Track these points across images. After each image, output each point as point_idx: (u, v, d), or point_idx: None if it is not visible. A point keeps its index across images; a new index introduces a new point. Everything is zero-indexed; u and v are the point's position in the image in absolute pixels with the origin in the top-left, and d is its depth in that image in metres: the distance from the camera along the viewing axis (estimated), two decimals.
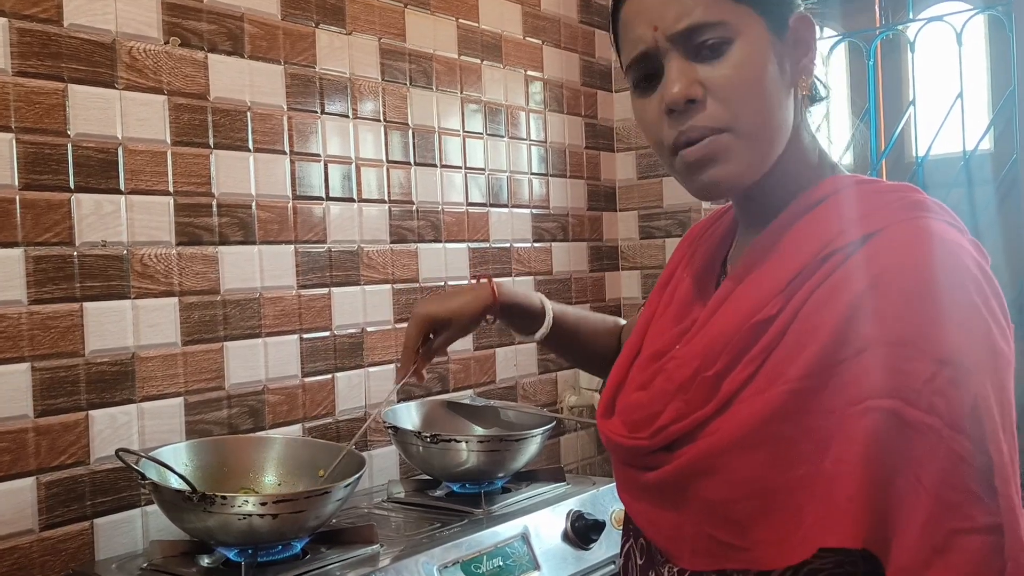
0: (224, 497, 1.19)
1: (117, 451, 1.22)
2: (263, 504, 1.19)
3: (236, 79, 1.58)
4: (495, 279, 1.16)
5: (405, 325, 1.85)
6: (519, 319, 1.17)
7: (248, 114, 1.60)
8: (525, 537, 1.46)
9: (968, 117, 2.13)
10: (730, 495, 0.74)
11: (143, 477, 1.23)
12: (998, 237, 2.10)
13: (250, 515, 1.18)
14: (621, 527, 0.95)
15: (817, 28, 0.81)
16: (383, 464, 1.81)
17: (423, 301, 1.16)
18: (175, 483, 1.26)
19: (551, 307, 1.18)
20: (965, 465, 0.65)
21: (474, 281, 1.16)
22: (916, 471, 0.66)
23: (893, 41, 2.24)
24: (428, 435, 1.52)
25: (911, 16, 2.20)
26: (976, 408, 0.66)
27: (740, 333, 0.76)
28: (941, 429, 0.65)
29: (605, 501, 1.62)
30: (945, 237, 0.73)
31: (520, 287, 2.12)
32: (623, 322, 1.28)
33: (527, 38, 2.21)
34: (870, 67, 2.25)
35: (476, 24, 2.06)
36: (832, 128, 0.90)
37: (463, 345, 1.99)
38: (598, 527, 1.54)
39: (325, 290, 1.73)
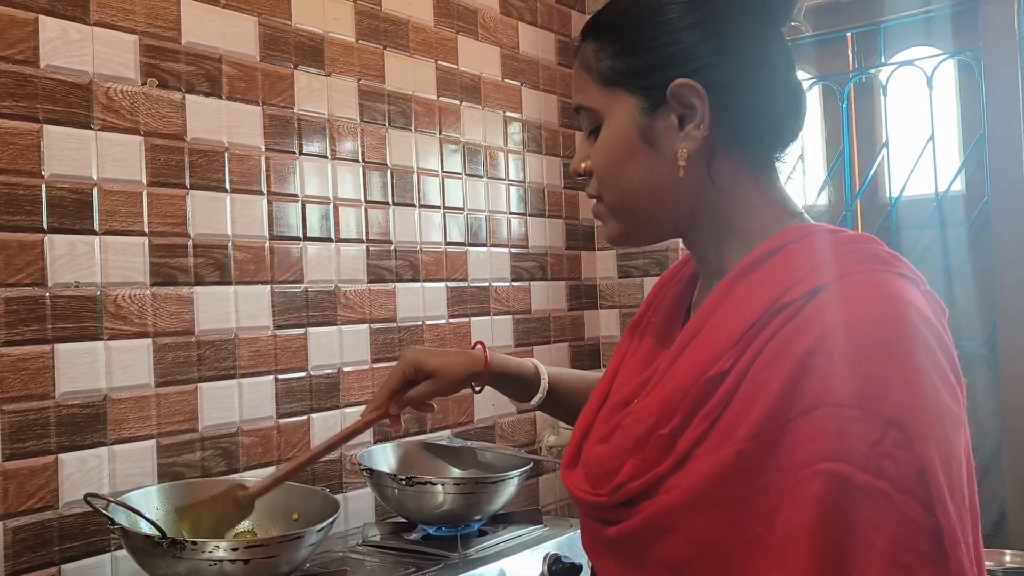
0: (195, 542, 1.17)
1: (86, 496, 1.20)
2: (234, 549, 1.17)
3: (213, 120, 1.59)
4: (490, 349, 1.16)
5: (382, 365, 1.86)
6: (511, 388, 1.18)
7: (225, 155, 1.60)
8: None
9: (940, 159, 2.17)
10: (686, 554, 0.74)
11: (112, 522, 1.21)
12: (970, 277, 2.12)
13: (221, 561, 1.16)
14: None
15: (701, 89, 0.80)
16: (358, 506, 1.79)
17: (418, 348, 1.17)
18: (145, 528, 1.24)
19: (546, 373, 1.17)
20: (916, 528, 0.65)
21: (479, 346, 1.18)
22: (868, 534, 0.66)
23: (866, 84, 2.28)
24: (403, 477, 1.51)
25: (883, 60, 2.24)
26: (923, 471, 0.65)
27: (694, 389, 0.75)
28: (891, 493, 0.65)
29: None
30: (894, 293, 0.72)
31: (512, 339, 2.14)
32: None
33: (506, 80, 2.23)
34: (843, 110, 2.29)
35: (455, 66, 2.08)
36: (807, 169, 0.91)
37: None
38: (575, 570, 1.53)
39: (301, 330, 1.72)
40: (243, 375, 1.61)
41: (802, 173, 0.90)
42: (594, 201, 0.90)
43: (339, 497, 1.71)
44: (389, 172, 1.91)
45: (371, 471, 1.56)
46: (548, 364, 2.28)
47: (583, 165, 0.88)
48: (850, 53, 2.30)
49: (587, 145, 0.88)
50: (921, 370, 0.68)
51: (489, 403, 2.11)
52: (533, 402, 1.17)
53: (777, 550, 0.69)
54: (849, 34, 2.28)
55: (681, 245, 2.29)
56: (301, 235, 1.73)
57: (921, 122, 2.19)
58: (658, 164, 0.82)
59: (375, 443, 1.81)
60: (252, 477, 1.58)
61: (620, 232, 0.88)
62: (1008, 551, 1.77)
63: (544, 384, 1.16)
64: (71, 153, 1.39)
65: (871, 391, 0.67)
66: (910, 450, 0.65)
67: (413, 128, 1.97)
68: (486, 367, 1.14)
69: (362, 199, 1.85)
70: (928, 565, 0.65)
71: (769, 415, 0.70)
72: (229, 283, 1.60)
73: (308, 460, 1.24)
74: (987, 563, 1.76)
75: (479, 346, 1.17)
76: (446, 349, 1.19)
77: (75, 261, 1.39)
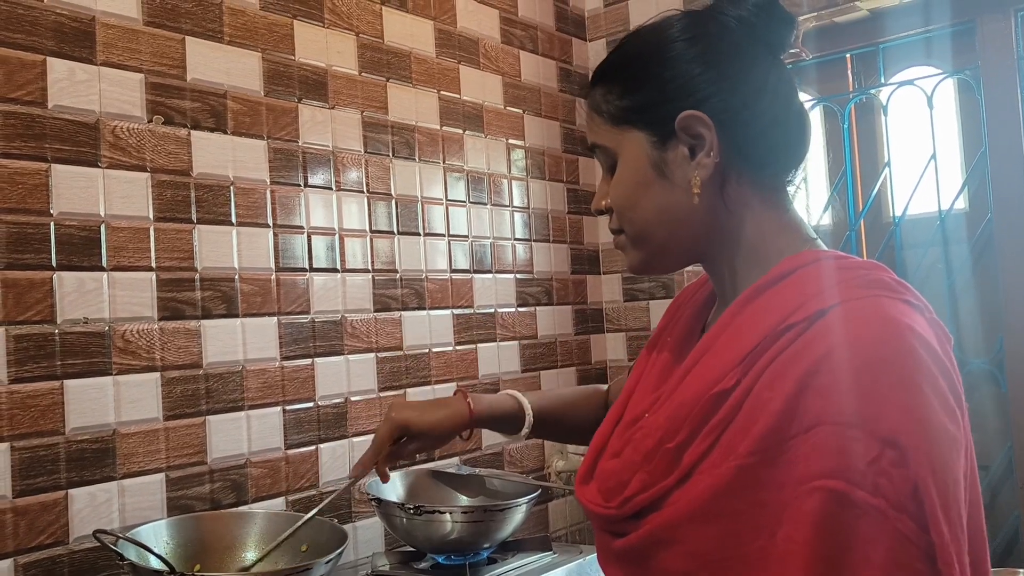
0: None
1: (95, 532, 1.21)
2: None
3: (219, 155, 1.61)
4: (471, 393, 1.17)
5: (389, 394, 1.87)
6: (498, 426, 1.20)
7: (231, 189, 1.62)
8: None
9: (942, 177, 2.17)
10: (687, 566, 0.76)
11: (122, 558, 1.22)
12: (974, 294, 2.12)
13: None
14: None
15: (707, 118, 0.82)
16: (367, 536, 1.79)
17: (401, 405, 1.16)
18: (154, 563, 1.25)
19: (529, 405, 1.19)
20: (911, 545, 0.66)
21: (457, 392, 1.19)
22: (865, 551, 0.67)
23: (866, 105, 2.29)
24: (411, 507, 1.51)
25: (883, 80, 2.25)
26: (917, 489, 0.67)
27: (700, 404, 0.77)
28: (886, 510, 0.66)
29: (592, 570, 1.60)
30: (894, 317, 0.74)
31: (518, 365, 2.15)
32: (605, 387, 1.29)
33: (508, 108, 2.25)
34: (845, 130, 2.30)
35: (458, 96, 2.10)
36: (810, 190, 0.93)
37: None
38: None
39: (308, 361, 1.73)
40: (251, 407, 1.62)
41: (805, 194, 0.92)
42: (615, 234, 0.93)
43: (348, 527, 1.71)
44: (394, 202, 1.93)
45: (379, 501, 1.56)
46: (555, 389, 2.29)
47: (603, 203, 0.91)
48: (850, 74, 2.31)
49: (606, 183, 0.91)
50: (918, 391, 0.70)
51: None
52: (521, 435, 1.19)
53: (775, 564, 0.70)
54: (849, 55, 2.30)
55: (687, 268, 2.30)
56: (307, 266, 1.74)
57: (922, 141, 2.20)
58: (673, 194, 0.85)
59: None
60: (260, 509, 1.58)
61: (641, 261, 0.91)
62: (1022, 570, 1.76)
63: (528, 418, 1.18)
64: (79, 191, 1.42)
65: (869, 410, 0.68)
66: (905, 469, 0.67)
67: (417, 158, 1.99)
68: (471, 417, 1.15)
69: (367, 229, 1.87)
70: None
71: (770, 432, 0.71)
72: (236, 315, 1.61)
73: (302, 524, 1.27)
74: None
75: (461, 394, 1.17)
76: (431, 402, 1.18)
77: (83, 297, 1.41)
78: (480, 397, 1.18)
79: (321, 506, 1.27)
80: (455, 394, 1.17)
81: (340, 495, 1.23)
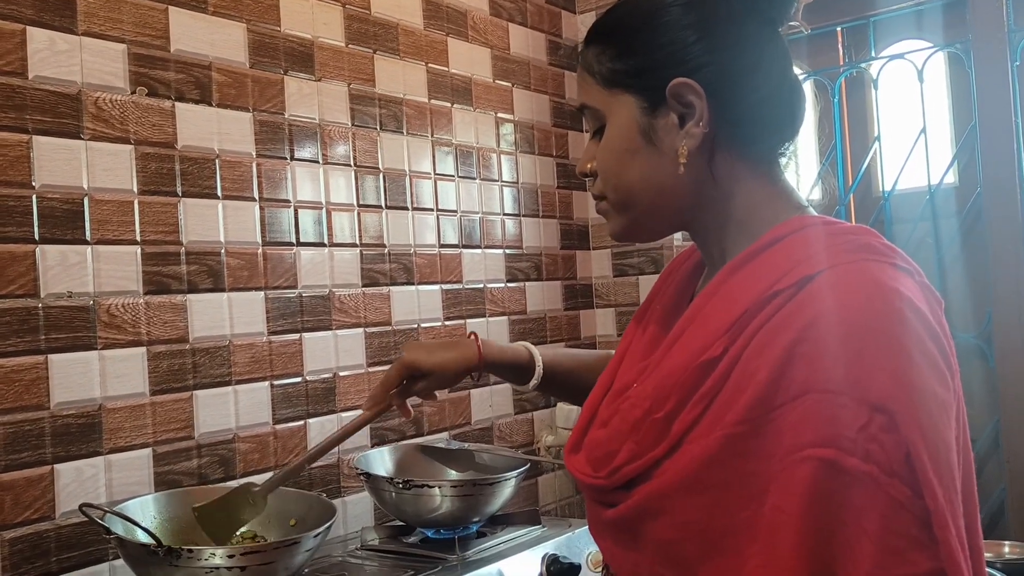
0: (190, 550, 1.17)
1: (81, 506, 1.21)
2: (230, 556, 1.17)
3: (204, 127, 1.59)
4: (482, 338, 1.16)
5: (378, 369, 1.86)
6: (507, 373, 1.19)
7: (216, 162, 1.60)
8: None
9: (932, 152, 2.17)
10: (676, 536, 0.75)
11: (108, 532, 1.21)
12: (963, 269, 2.12)
13: (217, 568, 1.17)
14: (598, 569, 0.95)
15: (698, 87, 0.81)
16: (357, 511, 1.79)
17: (413, 346, 1.17)
18: (141, 537, 1.24)
19: (540, 356, 1.18)
20: (905, 511, 0.66)
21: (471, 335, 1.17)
22: (858, 519, 0.66)
23: (857, 79, 2.28)
24: (400, 481, 1.51)
25: (873, 54, 2.24)
26: (908, 454, 0.66)
27: (687, 373, 0.77)
28: (878, 476, 0.66)
29: (581, 543, 1.61)
30: (881, 281, 0.73)
31: (507, 340, 2.14)
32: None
33: (497, 81, 2.23)
34: (835, 104, 2.29)
35: (446, 68, 2.08)
36: (799, 164, 0.92)
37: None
38: (573, 570, 1.53)
39: (296, 336, 1.72)
40: (238, 382, 1.61)
41: (795, 168, 0.91)
42: (597, 199, 0.91)
43: (337, 502, 1.71)
44: (382, 175, 1.91)
45: (368, 475, 1.56)
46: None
47: (589, 166, 0.90)
48: (840, 48, 2.30)
49: (593, 145, 0.90)
50: (907, 356, 0.69)
51: (487, 404, 2.11)
52: (529, 386, 1.19)
53: (765, 534, 0.70)
54: (839, 28, 2.29)
55: (677, 243, 2.29)
56: (294, 240, 1.73)
57: (913, 115, 2.19)
58: (660, 162, 0.84)
59: (372, 447, 1.81)
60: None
61: (623, 227, 0.89)
62: (1007, 542, 1.77)
63: (539, 370, 1.17)
64: (61, 163, 1.39)
65: (856, 377, 0.68)
66: (896, 434, 0.66)
67: (405, 131, 1.97)
68: (480, 360, 1.15)
69: (355, 203, 1.85)
70: (919, 549, 0.66)
71: (757, 401, 0.71)
72: (223, 290, 1.60)
73: (314, 455, 1.24)
74: (986, 555, 1.76)
75: (473, 336, 1.17)
76: (442, 342, 1.19)
77: (67, 271, 1.39)
78: (491, 343, 1.17)
79: (333, 437, 1.21)
80: (468, 336, 1.17)
81: (354, 429, 1.19)
